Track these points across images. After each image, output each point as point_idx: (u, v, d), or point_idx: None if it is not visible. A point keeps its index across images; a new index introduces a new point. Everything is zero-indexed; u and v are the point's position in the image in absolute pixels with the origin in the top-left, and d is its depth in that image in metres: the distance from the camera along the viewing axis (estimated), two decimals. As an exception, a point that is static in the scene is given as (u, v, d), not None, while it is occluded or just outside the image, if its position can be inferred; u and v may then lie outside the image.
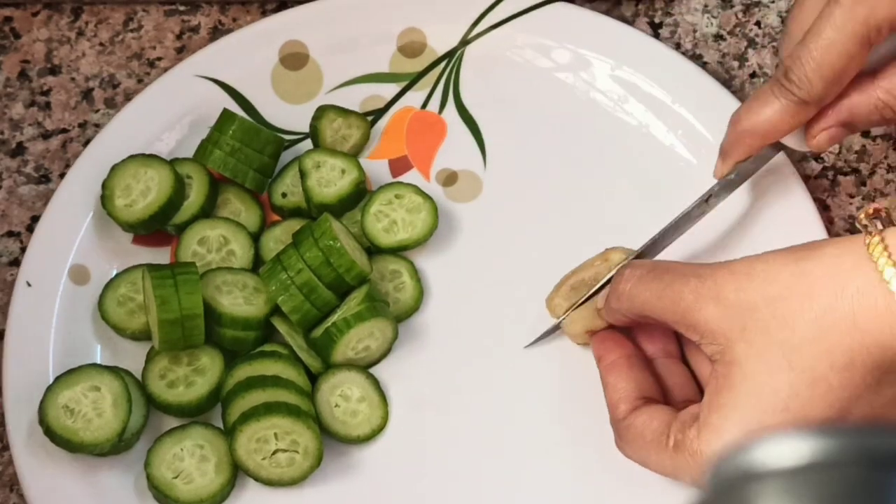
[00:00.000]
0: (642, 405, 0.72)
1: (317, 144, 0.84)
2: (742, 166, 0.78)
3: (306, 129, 0.84)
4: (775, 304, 0.66)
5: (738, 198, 0.80)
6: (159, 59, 0.88)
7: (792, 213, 0.81)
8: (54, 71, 0.88)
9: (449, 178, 0.84)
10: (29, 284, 0.79)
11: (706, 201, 0.79)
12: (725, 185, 0.79)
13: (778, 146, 0.78)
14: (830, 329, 0.65)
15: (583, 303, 0.77)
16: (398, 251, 0.81)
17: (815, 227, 0.80)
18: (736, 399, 0.67)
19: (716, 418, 0.67)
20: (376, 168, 0.84)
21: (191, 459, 0.75)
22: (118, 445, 0.75)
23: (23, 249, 0.83)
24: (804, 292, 0.66)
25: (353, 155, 0.84)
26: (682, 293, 0.69)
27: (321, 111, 0.84)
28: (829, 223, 0.82)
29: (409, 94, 0.86)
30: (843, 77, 0.72)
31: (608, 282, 0.76)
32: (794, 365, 0.66)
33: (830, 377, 0.65)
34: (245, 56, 0.86)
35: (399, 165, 0.85)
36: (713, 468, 0.36)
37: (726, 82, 0.87)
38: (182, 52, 0.88)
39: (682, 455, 0.68)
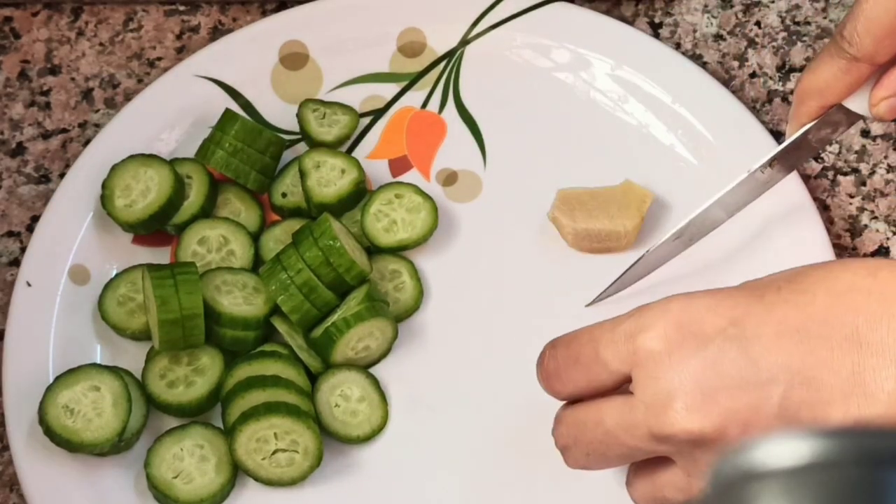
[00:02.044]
0: None
1: (306, 134, 0.84)
2: (814, 132, 0.77)
3: (306, 129, 0.85)
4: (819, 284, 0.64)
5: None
6: (159, 59, 0.88)
7: (792, 214, 0.81)
8: (54, 71, 0.88)
9: (449, 178, 0.84)
10: (29, 284, 0.79)
11: (770, 165, 0.77)
12: (794, 150, 0.77)
13: (847, 113, 0.76)
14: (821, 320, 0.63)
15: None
16: (398, 251, 0.81)
17: (815, 228, 0.80)
18: (718, 290, 0.65)
19: (685, 293, 0.65)
20: (376, 168, 0.84)
21: (191, 459, 0.75)
22: (118, 445, 0.75)
23: (23, 249, 0.83)
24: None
25: (345, 140, 0.84)
26: None
27: (302, 103, 0.84)
28: (829, 223, 0.82)
29: (409, 93, 0.86)
30: (893, 34, 0.71)
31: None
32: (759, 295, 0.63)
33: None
34: (245, 56, 0.86)
35: (399, 165, 0.85)
36: (713, 468, 0.36)
37: (726, 82, 0.87)
38: (182, 52, 0.88)
39: (626, 314, 0.65)
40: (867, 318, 0.62)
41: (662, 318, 0.63)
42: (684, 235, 0.78)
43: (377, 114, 0.86)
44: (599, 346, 0.65)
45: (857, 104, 0.75)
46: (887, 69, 0.74)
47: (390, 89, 0.86)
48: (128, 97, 0.87)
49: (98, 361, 0.78)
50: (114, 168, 0.81)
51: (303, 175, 0.81)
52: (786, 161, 0.78)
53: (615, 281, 0.79)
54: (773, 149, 0.80)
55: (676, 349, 0.63)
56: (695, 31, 0.89)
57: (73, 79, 0.88)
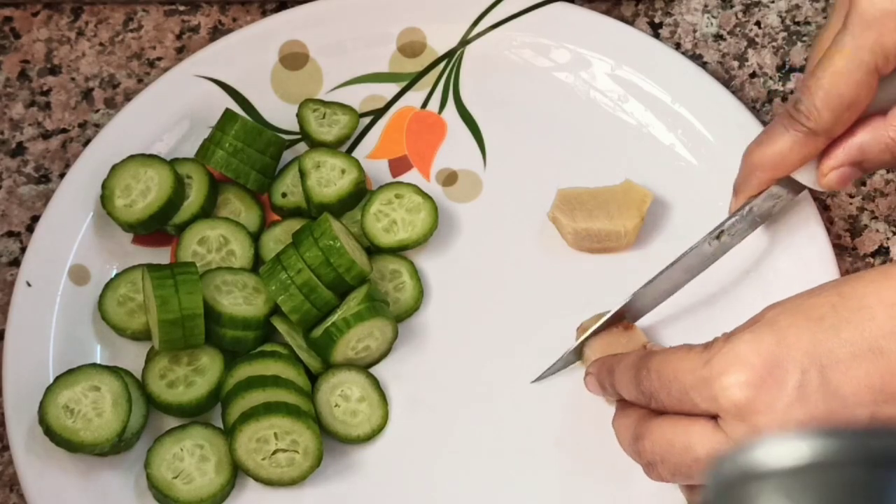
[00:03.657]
0: None
1: (306, 134, 0.84)
2: (758, 205, 0.77)
3: (306, 129, 0.85)
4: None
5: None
6: (159, 59, 0.88)
7: (792, 214, 0.81)
8: (54, 71, 0.88)
9: (449, 178, 0.84)
10: (29, 284, 0.79)
11: (717, 238, 0.78)
12: (740, 223, 0.78)
13: (794, 185, 0.77)
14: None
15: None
16: (398, 251, 0.81)
17: (815, 228, 0.80)
18: (781, 319, 0.65)
19: (747, 332, 0.65)
20: (376, 168, 0.84)
21: (191, 459, 0.75)
22: (118, 445, 0.75)
23: (23, 249, 0.83)
24: None
25: (345, 140, 0.84)
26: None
27: (302, 103, 0.84)
28: (829, 223, 0.82)
29: (408, 94, 0.86)
30: (852, 107, 0.71)
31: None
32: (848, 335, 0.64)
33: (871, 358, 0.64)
34: (245, 56, 0.86)
35: (399, 165, 0.85)
36: (713, 468, 0.36)
37: (726, 82, 0.87)
38: (182, 52, 0.88)
39: (708, 350, 0.66)
40: None
41: (736, 364, 0.64)
42: (630, 312, 0.78)
43: (377, 114, 0.86)
44: (687, 388, 0.66)
45: (804, 176, 0.76)
46: (834, 140, 0.74)
47: (390, 89, 0.86)
48: (128, 97, 0.87)
49: (98, 361, 0.78)
50: (114, 168, 0.81)
51: (303, 175, 0.81)
52: (730, 233, 0.78)
53: (558, 361, 0.78)
54: (789, 192, 0.79)
55: (758, 395, 0.64)
56: (695, 31, 0.89)
57: (73, 79, 0.88)
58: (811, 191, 0.81)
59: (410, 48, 0.87)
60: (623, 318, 0.78)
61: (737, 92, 0.86)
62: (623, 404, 0.72)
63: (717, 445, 0.66)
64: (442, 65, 0.87)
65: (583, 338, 0.78)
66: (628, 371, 0.70)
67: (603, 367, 0.74)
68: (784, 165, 0.75)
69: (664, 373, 0.67)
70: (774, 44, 0.88)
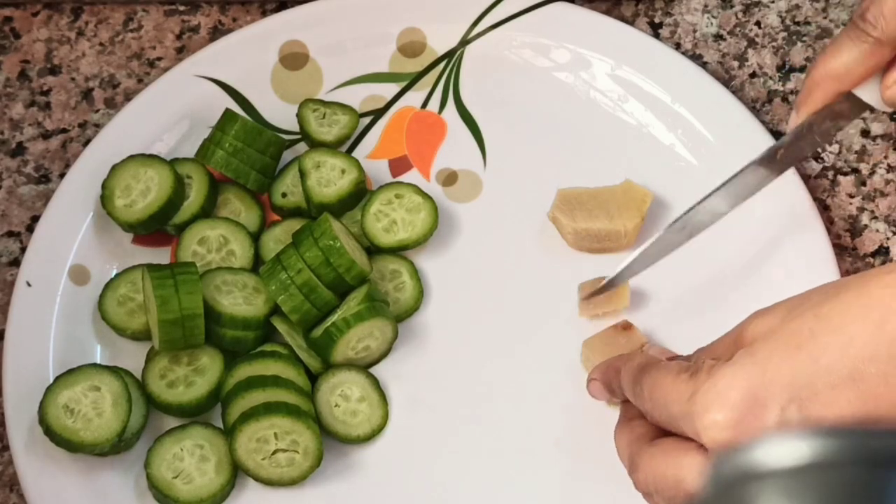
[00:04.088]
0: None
1: (306, 134, 0.84)
2: (819, 122, 0.76)
3: (306, 129, 0.85)
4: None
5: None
6: (159, 59, 0.88)
7: (792, 214, 0.81)
8: (54, 71, 0.88)
9: (449, 178, 0.84)
10: (29, 284, 0.79)
11: (774, 155, 0.76)
12: (800, 140, 0.76)
13: (857, 104, 0.75)
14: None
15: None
16: (398, 251, 0.81)
17: (815, 228, 0.80)
18: (760, 348, 0.64)
19: (727, 366, 0.64)
20: (376, 168, 0.84)
21: (191, 459, 0.75)
22: (118, 445, 0.75)
23: (23, 249, 0.83)
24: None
25: (345, 140, 0.84)
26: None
27: (302, 103, 0.84)
28: (829, 223, 0.82)
29: (408, 94, 0.86)
30: None
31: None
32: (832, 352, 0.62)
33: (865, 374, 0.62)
34: (245, 56, 0.86)
35: (399, 165, 0.85)
36: (713, 468, 0.36)
37: (726, 82, 0.87)
38: (182, 52, 0.88)
39: (693, 380, 0.65)
40: None
41: (717, 402, 0.63)
42: (686, 227, 0.77)
43: (377, 114, 0.86)
44: (675, 417, 0.66)
45: (867, 93, 0.75)
46: None
47: (390, 89, 0.86)
48: (128, 97, 0.87)
49: (98, 361, 0.78)
50: (114, 168, 0.81)
51: (303, 175, 0.81)
52: (789, 153, 0.77)
53: (617, 273, 0.78)
54: (850, 110, 0.78)
55: (739, 434, 0.63)
56: (695, 31, 0.89)
57: (73, 79, 0.88)
58: (811, 190, 0.81)
59: (410, 48, 0.87)
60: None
61: (737, 92, 0.86)
62: (625, 411, 0.72)
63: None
64: (442, 65, 0.87)
65: (647, 245, 0.77)
66: (627, 378, 0.70)
67: (609, 369, 0.73)
68: (848, 78, 0.74)
69: (655, 396, 0.67)
70: (774, 44, 0.88)
